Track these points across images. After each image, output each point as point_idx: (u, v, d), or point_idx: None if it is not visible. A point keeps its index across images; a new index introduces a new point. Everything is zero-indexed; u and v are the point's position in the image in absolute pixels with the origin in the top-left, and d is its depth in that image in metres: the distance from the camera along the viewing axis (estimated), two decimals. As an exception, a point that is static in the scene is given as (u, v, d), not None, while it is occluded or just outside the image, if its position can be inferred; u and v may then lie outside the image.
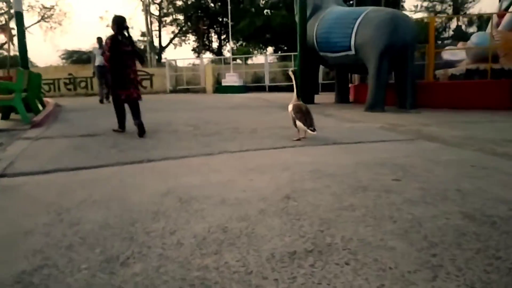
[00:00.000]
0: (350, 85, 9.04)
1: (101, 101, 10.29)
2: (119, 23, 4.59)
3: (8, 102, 5.15)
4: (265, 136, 4.07)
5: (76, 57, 30.31)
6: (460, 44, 10.09)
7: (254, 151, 3.33)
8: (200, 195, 2.07)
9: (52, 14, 29.67)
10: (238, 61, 19.20)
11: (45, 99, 9.41)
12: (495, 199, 1.91)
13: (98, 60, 10.05)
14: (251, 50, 21.46)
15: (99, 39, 10.41)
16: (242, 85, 15.08)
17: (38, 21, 29.52)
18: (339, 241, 1.48)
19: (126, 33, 4.58)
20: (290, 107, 3.94)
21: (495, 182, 2.24)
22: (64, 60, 31.41)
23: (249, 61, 19.30)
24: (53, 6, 29.21)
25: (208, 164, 2.86)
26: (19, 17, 7.17)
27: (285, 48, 25.97)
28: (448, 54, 9.79)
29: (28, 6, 28.33)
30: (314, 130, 3.66)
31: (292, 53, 15.50)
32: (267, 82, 15.67)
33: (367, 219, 1.69)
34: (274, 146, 3.48)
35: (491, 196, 1.97)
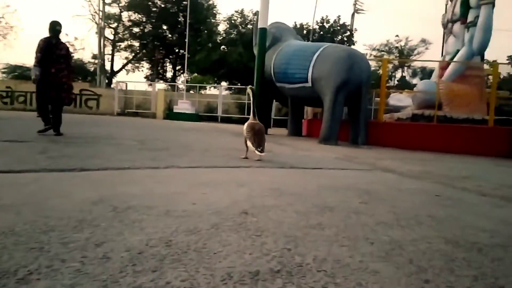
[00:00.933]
0: (303, 119, 9.11)
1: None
2: (53, 26, 4.84)
3: None
4: (218, 155, 3.77)
5: (19, 73, 28.34)
6: (404, 92, 10.69)
7: (206, 168, 3.01)
8: (140, 205, 1.71)
9: (-3, 27, 27.85)
10: (191, 91, 18.95)
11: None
12: (473, 227, 1.75)
13: None
14: (206, 80, 21.34)
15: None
16: (194, 113, 14.78)
17: (-17, 33, 27.54)
18: (311, 261, 1.20)
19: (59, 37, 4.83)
20: (245, 126, 3.76)
21: (465, 211, 2.11)
22: (4, 75, 29.22)
23: (203, 91, 19.15)
24: (0, 18, 27.50)
25: (153, 176, 2.49)
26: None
27: (239, 84, 26.32)
28: (394, 100, 10.30)
29: (-28, 17, 26.49)
30: (262, 151, 3.55)
31: (247, 86, 15.63)
32: (220, 113, 15.52)
33: (340, 239, 1.43)
34: (228, 165, 3.19)
35: (467, 223, 1.81)
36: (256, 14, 8.54)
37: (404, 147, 6.72)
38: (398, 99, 10.35)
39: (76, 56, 33.24)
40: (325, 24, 34.41)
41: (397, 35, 33.18)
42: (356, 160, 4.35)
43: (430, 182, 3.15)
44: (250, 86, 4.06)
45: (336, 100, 6.25)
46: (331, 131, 6.35)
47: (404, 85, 21.05)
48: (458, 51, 9.11)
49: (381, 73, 7.95)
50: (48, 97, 4.64)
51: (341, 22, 35.91)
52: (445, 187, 2.95)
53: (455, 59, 8.82)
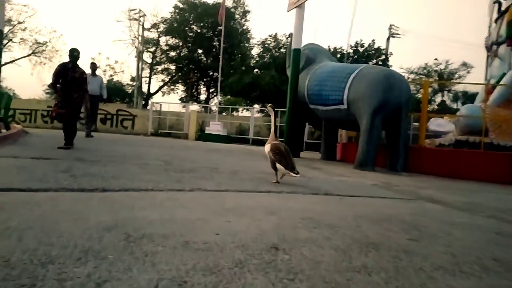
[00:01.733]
0: (337, 143, 8.78)
1: (87, 135, 8.49)
2: (70, 52, 5.53)
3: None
4: (247, 178, 3.56)
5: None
6: (446, 117, 10.15)
7: (233, 192, 2.80)
8: (157, 233, 1.51)
9: (43, 50, 29.60)
10: (224, 113, 19.05)
11: (13, 125, 8.74)
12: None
13: (90, 89, 8.12)
14: (238, 102, 21.48)
15: (93, 65, 9.44)
16: (225, 134, 14.76)
17: (29, 55, 29.33)
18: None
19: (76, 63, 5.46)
20: (268, 147, 3.51)
21: (537, 253, 1.76)
22: (48, 95, 30.77)
23: (235, 113, 19.20)
24: (46, 42, 29.24)
25: (176, 199, 2.30)
26: (-1, 34, 6.76)
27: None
28: (434, 125, 9.77)
29: (21, 39, 28.31)
30: (297, 173, 3.29)
31: (279, 109, 15.50)
32: (251, 135, 15.41)
33: (392, 288, 1.16)
34: (257, 189, 2.96)
35: (545, 270, 1.48)
36: (290, 36, 8.46)
37: (446, 175, 6.24)
38: (438, 124, 9.81)
39: (115, 78, 34.67)
40: (359, 48, 34.16)
41: (436, 59, 32.17)
42: (396, 188, 4.00)
43: (482, 216, 2.78)
44: (270, 104, 3.84)
45: (373, 123, 5.92)
46: (367, 156, 6.00)
47: (444, 110, 20.21)
48: (504, 74, 8.57)
49: (419, 96, 7.54)
50: (61, 113, 5.22)
51: (375, 46, 35.55)
52: (500, 222, 2.58)
53: (501, 83, 8.28)
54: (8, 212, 1.68)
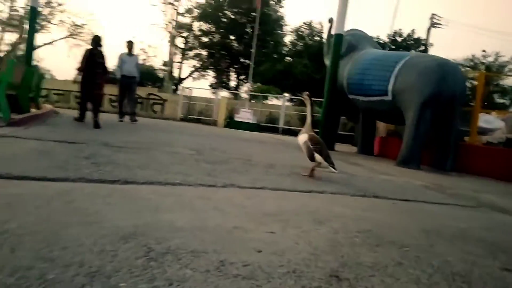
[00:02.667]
0: (375, 137, 8.23)
1: (121, 119, 8.18)
2: (95, 40, 6.30)
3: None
4: (284, 173, 3.21)
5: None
6: (494, 113, 9.35)
7: (271, 190, 2.46)
8: (184, 247, 1.20)
9: (81, 32, 30.10)
10: (253, 101, 18.69)
11: (45, 105, 8.78)
12: None
13: (126, 69, 8.11)
14: (270, 90, 21.04)
15: (130, 43, 8.39)
16: (255, 123, 14.43)
17: (66, 37, 29.93)
18: None
19: (100, 49, 6.23)
20: (305, 137, 3.18)
21: None
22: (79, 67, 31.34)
23: (266, 101, 18.79)
24: (84, 24, 29.70)
25: (208, 198, 1.99)
26: (33, 12, 6.66)
27: (299, 96, 25.75)
28: (481, 121, 9.02)
29: (60, 21, 28.88)
30: (335, 168, 3.01)
31: (304, 93, 14.99)
32: (281, 124, 15.00)
33: None
34: (297, 188, 2.61)
35: None
36: (330, 21, 7.89)
37: (498, 177, 5.63)
38: (486, 120, 9.04)
39: (148, 63, 35.00)
40: (397, 37, 32.75)
41: (483, 50, 30.15)
42: (450, 192, 3.54)
43: None
44: (306, 92, 3.47)
45: (422, 116, 5.38)
46: (413, 152, 5.48)
47: (491, 105, 18.97)
48: None
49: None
50: (89, 94, 6.09)
51: (415, 36, 33.96)
52: None
53: None
54: (13, 209, 1.42)
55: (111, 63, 7.66)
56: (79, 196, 1.71)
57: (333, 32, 7.58)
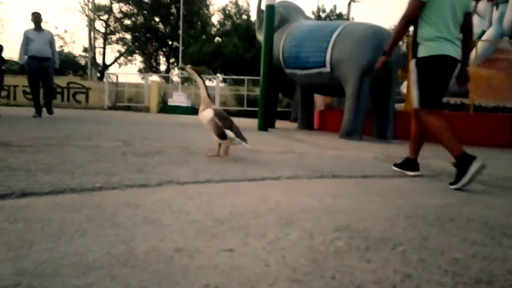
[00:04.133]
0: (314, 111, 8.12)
1: (36, 113, 6.60)
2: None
3: None
4: (230, 160, 2.80)
5: (5, 67, 26.99)
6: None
7: (218, 183, 2.04)
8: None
9: (-21, 17, 26.40)
10: (186, 84, 17.88)
11: None
12: None
13: (34, 48, 6.38)
14: (202, 72, 20.31)
15: (36, 16, 6.60)
16: (190, 106, 13.77)
17: (-37, 23, 26.08)
18: None
19: None
20: (210, 113, 2.80)
21: None
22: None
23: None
24: (-18, 7, 26.02)
25: (138, 204, 1.52)
26: None
27: (233, 76, 25.40)
28: (403, 87, 9.36)
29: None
30: (247, 142, 2.76)
31: (245, 77, 14.65)
32: (217, 105, 14.51)
33: None
34: (248, 176, 2.22)
35: None
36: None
37: (433, 140, 5.75)
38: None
39: (66, 49, 32.01)
40: (321, 13, 33.44)
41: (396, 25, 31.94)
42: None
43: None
44: (189, 65, 3.14)
45: (361, 87, 5.26)
46: (355, 124, 5.37)
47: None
48: (484, 32, 8.18)
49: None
50: None
51: (337, 12, 34.96)
52: None
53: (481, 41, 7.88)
54: None
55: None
56: None
57: (263, 6, 7.20)
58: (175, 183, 1.95)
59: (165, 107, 13.73)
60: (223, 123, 2.75)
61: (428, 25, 2.53)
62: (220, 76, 16.19)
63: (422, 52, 2.55)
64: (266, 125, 6.02)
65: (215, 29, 33.12)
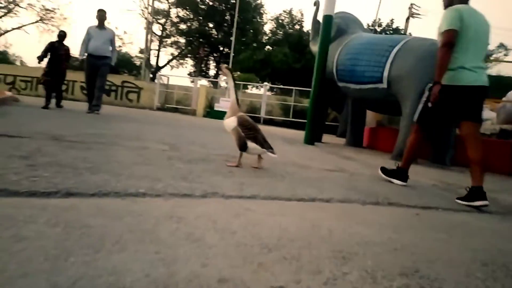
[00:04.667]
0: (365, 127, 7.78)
1: (90, 109, 6.61)
2: (59, 35, 7.47)
3: None
4: (277, 174, 2.66)
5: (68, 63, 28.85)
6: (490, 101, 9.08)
7: (264, 200, 1.91)
8: None
9: (52, 17, 28.44)
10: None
11: (2, 91, 7.93)
12: None
13: (93, 46, 6.40)
14: (250, 79, 20.42)
15: (101, 13, 6.63)
16: (236, 112, 13.82)
17: (36, 21, 28.21)
18: None
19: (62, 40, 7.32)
20: (233, 121, 2.67)
21: None
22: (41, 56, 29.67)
23: (246, 90, 18.15)
24: (55, 9, 28.04)
25: (181, 217, 1.42)
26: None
27: (280, 85, 25.36)
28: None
29: (28, 4, 27.14)
30: (274, 152, 2.60)
31: (294, 88, 14.50)
32: (263, 114, 14.43)
33: None
34: (297, 195, 2.06)
35: None
36: (316, 3, 7.36)
37: (495, 169, 5.25)
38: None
39: (124, 50, 33.61)
40: (376, 27, 32.64)
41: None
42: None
43: None
44: (225, 65, 2.99)
45: (421, 106, 4.92)
46: (410, 145, 5.02)
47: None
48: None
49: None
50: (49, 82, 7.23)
51: (394, 26, 33.93)
52: None
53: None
54: None
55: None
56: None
57: (319, 16, 7.03)
58: (219, 196, 1.85)
59: (211, 112, 13.88)
60: (247, 133, 2.61)
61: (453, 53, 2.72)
62: (267, 85, 16.14)
63: (444, 80, 2.76)
64: (313, 138, 5.83)
65: (266, 37, 33.39)
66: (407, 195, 2.59)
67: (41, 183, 1.63)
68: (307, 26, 34.43)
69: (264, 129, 9.55)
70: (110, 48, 6.64)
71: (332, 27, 6.42)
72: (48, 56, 7.12)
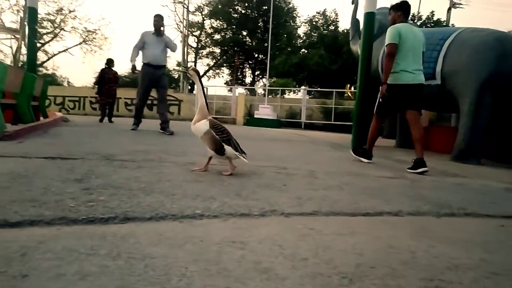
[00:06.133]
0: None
1: (134, 126, 6.10)
2: (107, 62, 9.24)
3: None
4: (333, 185, 2.49)
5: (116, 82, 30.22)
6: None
7: (327, 216, 1.76)
8: None
9: (94, 38, 29.89)
10: (270, 96, 17.93)
11: (53, 112, 8.32)
12: None
13: (151, 55, 5.79)
14: (288, 84, 20.26)
15: (158, 19, 5.96)
16: (275, 119, 13.71)
17: (80, 43, 29.77)
18: None
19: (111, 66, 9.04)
20: (205, 125, 2.53)
21: None
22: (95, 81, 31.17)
23: (282, 96, 17.98)
24: (96, 30, 29.47)
25: (243, 242, 1.31)
26: (32, 13, 6.11)
27: (317, 88, 24.94)
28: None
29: (72, 27, 28.73)
30: (246, 157, 2.56)
31: (334, 90, 14.15)
32: (303, 119, 14.21)
33: None
34: (361, 209, 1.90)
35: None
36: (354, 1, 7.10)
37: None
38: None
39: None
40: (416, 21, 31.40)
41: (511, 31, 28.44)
42: None
43: None
44: (192, 67, 2.88)
45: (480, 102, 4.54)
46: (472, 145, 4.63)
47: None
48: None
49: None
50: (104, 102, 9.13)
51: (435, 18, 32.52)
52: None
53: None
54: None
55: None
56: (42, 260, 1.04)
57: (359, 14, 6.78)
58: (279, 214, 1.72)
59: (251, 120, 13.87)
60: (220, 136, 2.49)
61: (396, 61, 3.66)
62: (306, 88, 15.91)
63: (388, 80, 3.74)
64: (361, 142, 5.57)
65: (300, 41, 33.14)
66: (482, 203, 2.33)
67: (98, 208, 1.59)
68: (343, 26, 33.77)
69: (307, 134, 9.35)
70: (167, 55, 6.19)
71: (375, 24, 6.15)
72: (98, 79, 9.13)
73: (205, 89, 2.71)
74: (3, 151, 2.86)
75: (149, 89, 6.04)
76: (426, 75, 5.19)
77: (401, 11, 3.83)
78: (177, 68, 27.10)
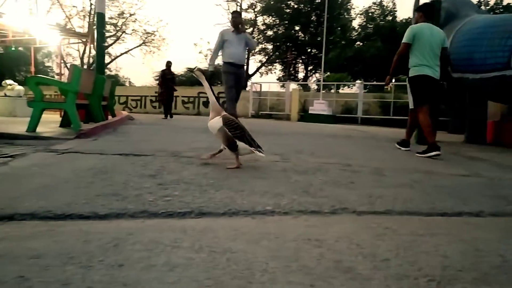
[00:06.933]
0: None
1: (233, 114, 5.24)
2: (166, 64, 10.47)
3: (58, 105, 4.21)
4: (403, 183, 2.40)
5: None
6: None
7: (400, 215, 1.70)
8: None
9: (152, 39, 31.29)
10: (323, 91, 17.59)
11: (120, 111, 8.85)
12: None
13: (233, 54, 5.52)
14: (344, 78, 19.78)
15: (236, 16, 5.81)
16: (331, 114, 13.45)
17: (140, 45, 31.34)
18: None
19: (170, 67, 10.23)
20: (219, 122, 2.55)
21: None
22: (157, 81, 32.72)
23: (336, 91, 17.55)
24: (154, 31, 30.82)
25: (318, 240, 1.30)
26: (100, 18, 6.54)
27: (374, 81, 24.03)
28: None
29: (133, 30, 30.33)
30: (262, 151, 2.57)
31: (194, 67, 13.52)
32: (359, 114, 13.79)
33: None
34: (437, 208, 1.80)
35: None
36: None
37: None
38: None
39: (215, 62, 35.41)
40: (482, 6, 29.09)
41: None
42: None
43: None
44: (196, 67, 2.93)
45: None
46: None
47: None
48: None
49: None
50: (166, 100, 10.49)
51: (504, 3, 29.94)
52: None
53: None
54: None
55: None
56: (133, 251, 1.12)
57: (422, 2, 6.38)
58: (350, 212, 1.69)
59: (305, 116, 13.72)
60: (233, 132, 2.52)
61: (414, 56, 4.02)
62: (362, 82, 15.42)
63: (410, 74, 4.09)
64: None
65: (355, 33, 32.16)
66: None
67: (174, 202, 1.67)
68: (401, 16, 32.21)
69: (365, 130, 9.09)
70: (245, 54, 5.87)
71: (441, 13, 5.80)
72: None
73: (212, 86, 2.75)
74: (82, 148, 3.10)
75: (233, 88, 5.59)
76: (499, 65, 4.82)
77: (422, 12, 4.17)
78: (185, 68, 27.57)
